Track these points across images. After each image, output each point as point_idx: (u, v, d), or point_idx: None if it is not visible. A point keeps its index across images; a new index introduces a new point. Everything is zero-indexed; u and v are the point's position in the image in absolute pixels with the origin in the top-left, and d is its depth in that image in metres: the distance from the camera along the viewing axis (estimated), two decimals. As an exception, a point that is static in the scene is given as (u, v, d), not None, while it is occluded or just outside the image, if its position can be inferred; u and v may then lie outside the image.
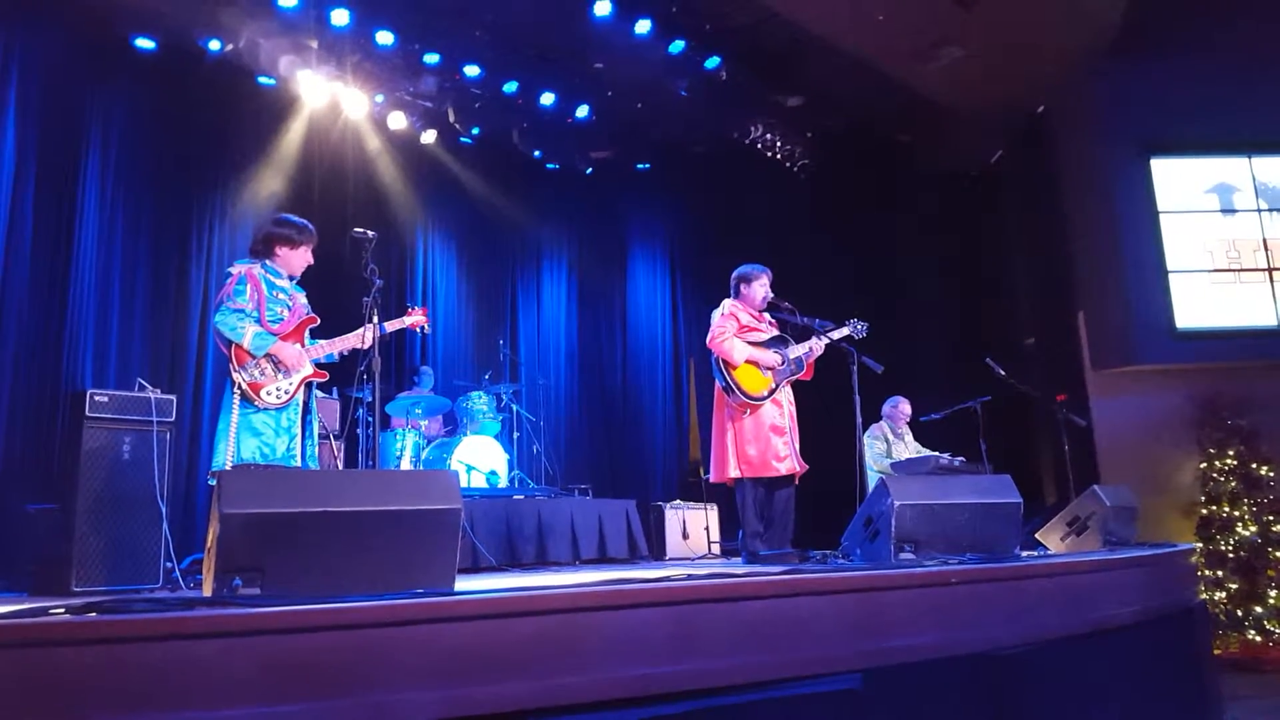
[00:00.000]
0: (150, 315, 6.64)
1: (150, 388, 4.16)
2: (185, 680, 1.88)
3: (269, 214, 4.40)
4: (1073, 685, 3.31)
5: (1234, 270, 8.15)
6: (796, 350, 4.97)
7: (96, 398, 3.99)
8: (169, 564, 4.03)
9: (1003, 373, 6.16)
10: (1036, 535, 5.13)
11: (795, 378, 5.00)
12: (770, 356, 4.91)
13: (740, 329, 4.96)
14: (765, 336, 5.02)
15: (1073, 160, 8.57)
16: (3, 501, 5.44)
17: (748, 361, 4.86)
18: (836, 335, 5.03)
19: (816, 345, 5.01)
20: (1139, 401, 8.01)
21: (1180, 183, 8.26)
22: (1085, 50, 8.00)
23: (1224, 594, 7.26)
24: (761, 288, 5.08)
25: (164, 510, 3.99)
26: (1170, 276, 8.04)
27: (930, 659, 2.84)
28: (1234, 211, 8.29)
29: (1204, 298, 8.04)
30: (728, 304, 5.07)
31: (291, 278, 4.16)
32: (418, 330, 4.47)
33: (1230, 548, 7.37)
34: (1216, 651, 6.55)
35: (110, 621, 1.89)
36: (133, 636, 1.87)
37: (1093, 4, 7.53)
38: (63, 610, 1.97)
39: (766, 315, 5.14)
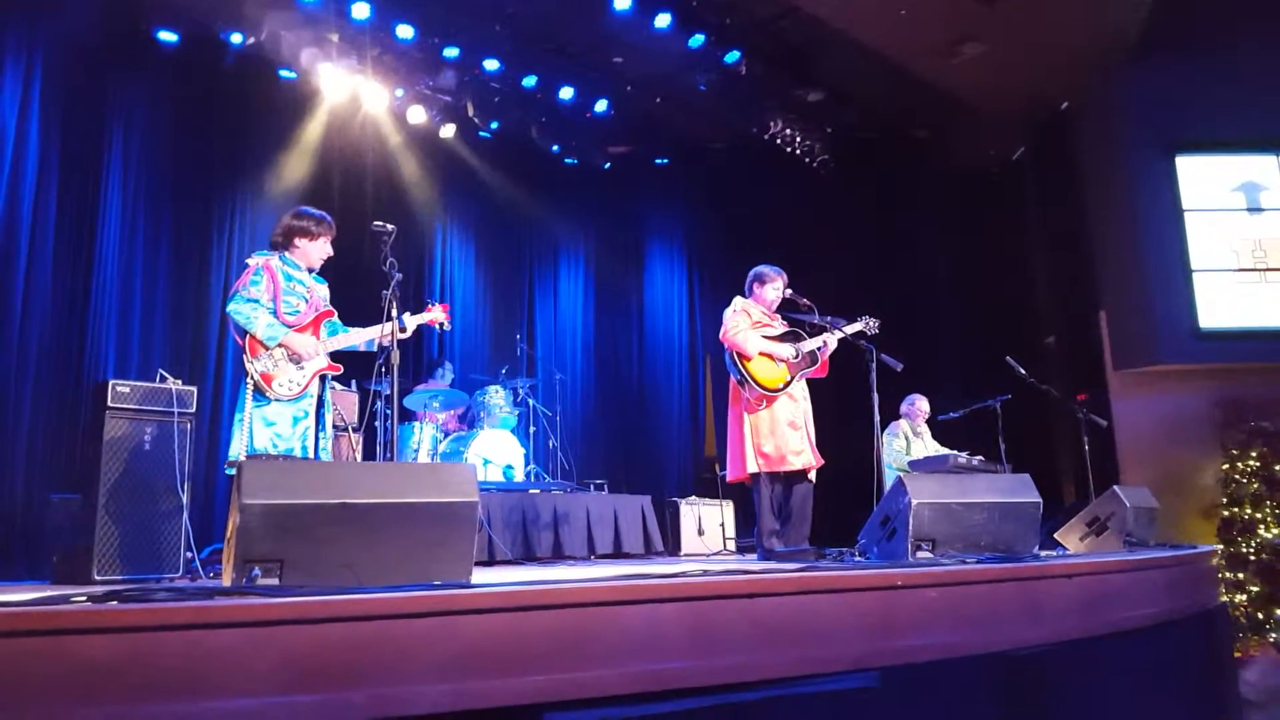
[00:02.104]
0: (172, 307, 6.70)
1: (171, 379, 4.19)
2: (203, 669, 1.90)
3: (289, 206, 4.41)
4: (1091, 687, 3.28)
5: (1260, 270, 8.04)
6: (809, 344, 4.96)
7: (118, 388, 4.02)
8: (189, 554, 4.06)
9: (1023, 371, 6.11)
10: (1055, 535, 5.10)
11: (810, 373, 5.00)
12: (784, 349, 4.91)
13: (752, 325, 4.95)
14: (777, 332, 5.01)
15: (1096, 158, 8.48)
16: (26, 491, 5.52)
17: (762, 354, 4.86)
18: (849, 330, 5.03)
19: (830, 340, 5.01)
20: (1160, 402, 7.93)
21: (1206, 181, 8.14)
22: (1110, 47, 7.91)
23: (1245, 597, 7.18)
24: (775, 290, 5.07)
25: (184, 500, 4.02)
26: (1194, 276, 7.93)
27: (947, 658, 2.83)
28: (1260, 210, 8.17)
29: (1228, 298, 7.93)
30: (739, 301, 5.08)
31: (311, 270, 4.17)
32: (437, 327, 4.47)
33: (1252, 550, 7.29)
34: (1237, 654, 6.48)
35: (131, 610, 1.91)
36: (153, 625, 1.89)
37: (1118, 0, 7.44)
38: (84, 598, 2.00)
39: (778, 315, 5.14)
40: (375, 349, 4.16)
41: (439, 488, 2.68)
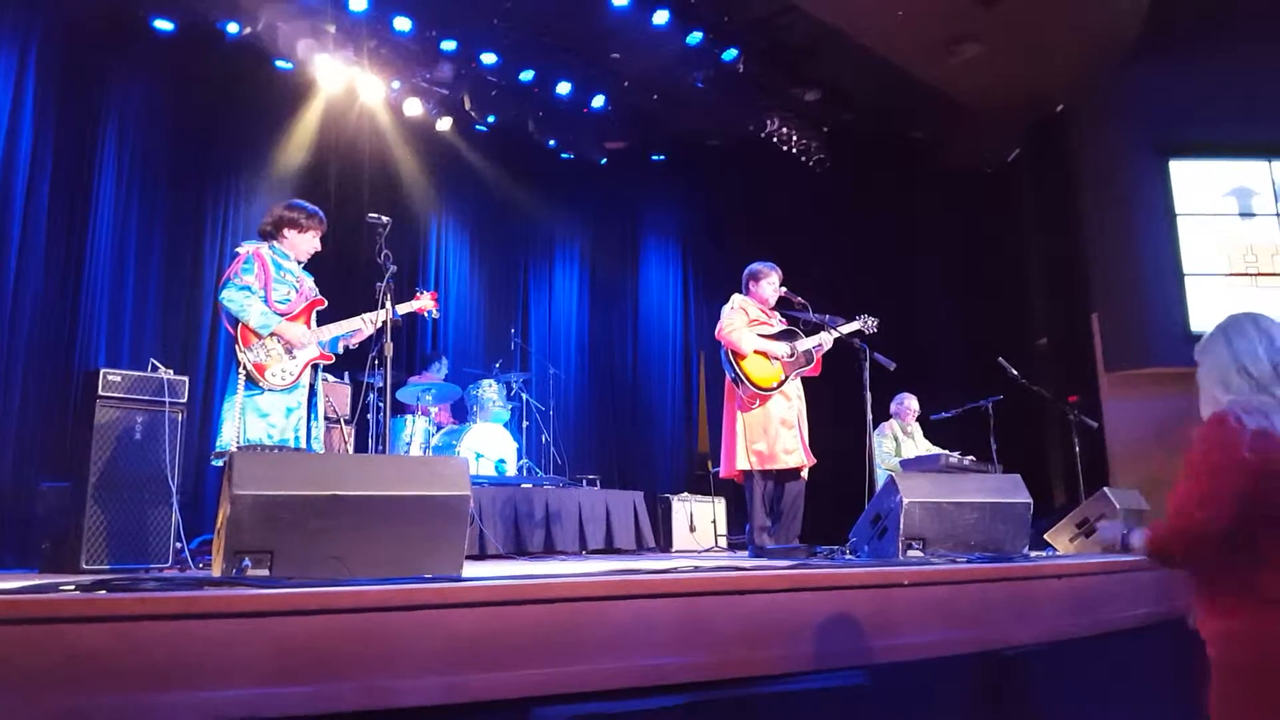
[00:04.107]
0: (164, 296, 6.66)
1: (163, 368, 4.18)
2: (193, 659, 1.89)
3: (284, 197, 4.41)
4: (1079, 686, 3.30)
5: (1251, 274, 8.08)
6: (805, 343, 4.96)
7: (110, 377, 4.00)
8: (178, 544, 4.05)
9: (1015, 372, 6.13)
10: (1045, 536, 5.11)
11: (804, 372, 5.01)
12: (780, 347, 4.91)
13: (749, 323, 4.96)
14: (774, 331, 5.01)
15: (1090, 160, 8.50)
16: (16, 478, 5.49)
17: (757, 352, 4.86)
18: (846, 330, 5.04)
19: (826, 340, 5.01)
20: (1151, 404, 7.95)
21: (1199, 185, 8.19)
22: (1106, 50, 7.93)
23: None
24: (770, 285, 5.08)
25: (174, 490, 4.01)
26: (1186, 279, 7.97)
27: (937, 657, 2.84)
28: (1252, 215, 8.22)
29: (1220, 301, 7.97)
30: (737, 299, 5.08)
31: (299, 261, 4.17)
32: (425, 314, 4.48)
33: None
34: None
35: (119, 599, 1.91)
36: (141, 615, 1.88)
37: (1115, 4, 7.46)
38: (73, 587, 1.99)
39: (776, 313, 5.14)
40: (374, 330, 4.14)
41: (431, 481, 2.68)
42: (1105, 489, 5.02)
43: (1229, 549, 1.84)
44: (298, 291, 4.08)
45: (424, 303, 4.43)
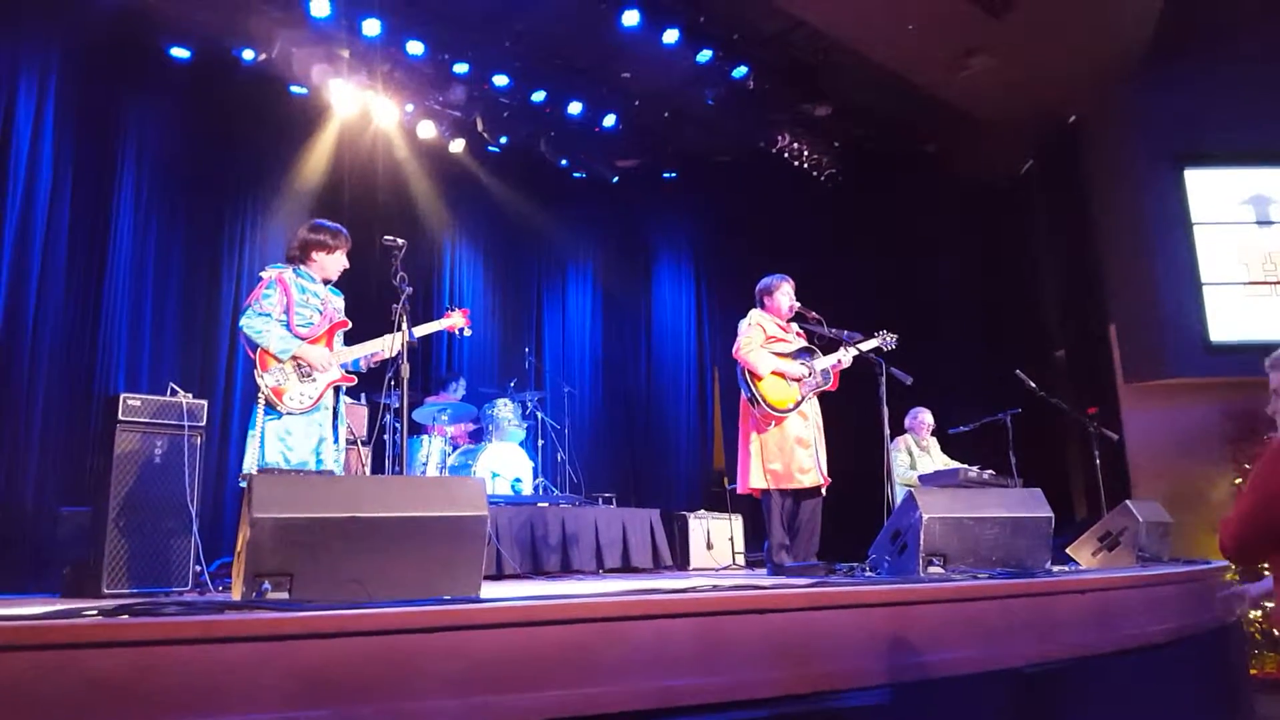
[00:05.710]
0: (182, 321, 6.73)
1: (182, 392, 4.20)
2: (213, 683, 1.90)
3: (300, 221, 4.45)
4: (1103, 703, 3.25)
5: (1270, 283, 8.00)
6: (823, 362, 4.95)
7: (129, 402, 4.02)
8: (198, 567, 4.06)
9: (1033, 385, 6.08)
10: (1067, 550, 5.06)
11: (822, 389, 4.98)
12: (797, 368, 4.89)
13: (766, 339, 4.94)
14: (792, 348, 4.99)
15: (1105, 170, 8.47)
16: (36, 503, 5.54)
17: (774, 373, 4.85)
18: (865, 347, 5.01)
19: (845, 358, 4.99)
20: (1172, 415, 7.88)
21: (1215, 194, 8.12)
22: (1118, 59, 7.91)
23: (1259, 613, 7.10)
24: (785, 296, 5.07)
25: (194, 514, 4.02)
26: (1204, 289, 7.91)
27: (959, 674, 2.81)
28: (1270, 223, 8.15)
29: (1238, 310, 7.90)
30: (754, 315, 5.07)
31: (327, 282, 4.20)
32: (456, 332, 4.49)
33: (1266, 566, 7.21)
34: (1252, 671, 6.41)
35: (141, 624, 1.92)
36: (163, 639, 1.89)
37: (1126, 13, 7.45)
38: (95, 612, 2.00)
39: (793, 326, 5.13)
40: (394, 353, 4.15)
41: (448, 502, 2.68)
42: (1127, 501, 4.97)
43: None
44: (321, 314, 4.11)
45: (455, 320, 4.45)
